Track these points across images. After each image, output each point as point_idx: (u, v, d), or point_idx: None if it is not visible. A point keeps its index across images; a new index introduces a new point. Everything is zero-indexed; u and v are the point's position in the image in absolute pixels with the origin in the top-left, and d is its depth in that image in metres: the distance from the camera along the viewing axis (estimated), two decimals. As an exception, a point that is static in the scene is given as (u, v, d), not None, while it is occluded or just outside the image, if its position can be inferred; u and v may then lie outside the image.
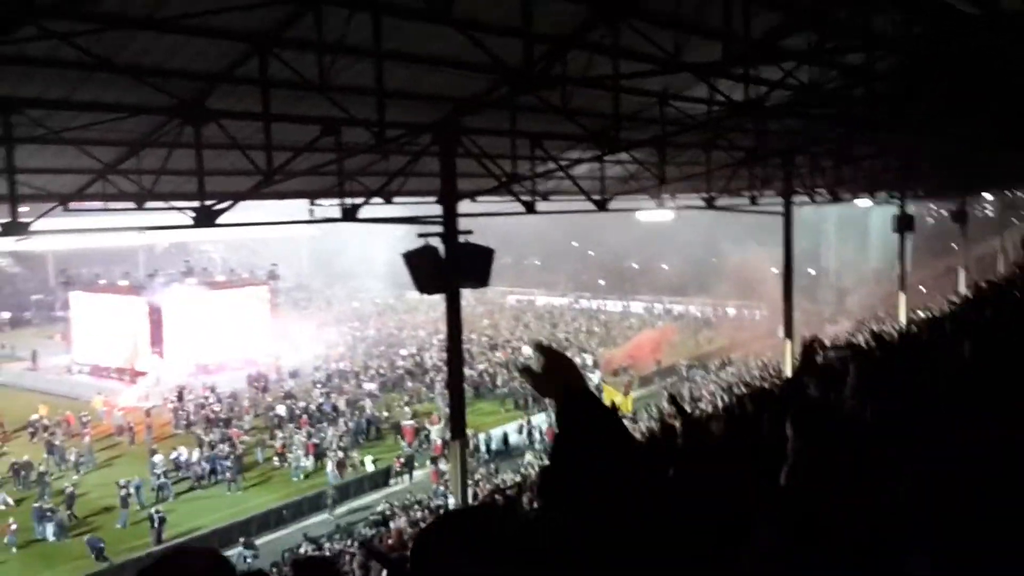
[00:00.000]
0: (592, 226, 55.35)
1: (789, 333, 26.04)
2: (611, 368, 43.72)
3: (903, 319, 31.51)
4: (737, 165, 21.98)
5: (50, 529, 25.10)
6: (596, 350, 49.46)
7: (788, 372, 24.19)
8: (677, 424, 5.06)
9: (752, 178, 24.74)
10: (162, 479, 28.40)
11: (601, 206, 20.02)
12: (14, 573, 23.78)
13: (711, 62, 12.12)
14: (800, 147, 23.25)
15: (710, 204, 24.69)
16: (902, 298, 35.60)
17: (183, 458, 30.25)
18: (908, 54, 13.72)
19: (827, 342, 8.28)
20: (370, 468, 30.36)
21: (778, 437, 2.74)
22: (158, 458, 29.30)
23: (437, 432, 32.37)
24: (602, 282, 74.59)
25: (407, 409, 37.15)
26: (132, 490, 26.87)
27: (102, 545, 23.57)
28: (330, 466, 29.53)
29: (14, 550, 24.43)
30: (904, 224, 34.25)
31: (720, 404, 27.87)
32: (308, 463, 30.74)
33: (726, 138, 19.91)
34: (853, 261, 62.40)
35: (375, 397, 39.10)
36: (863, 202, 34.79)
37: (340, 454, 30.71)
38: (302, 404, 37.13)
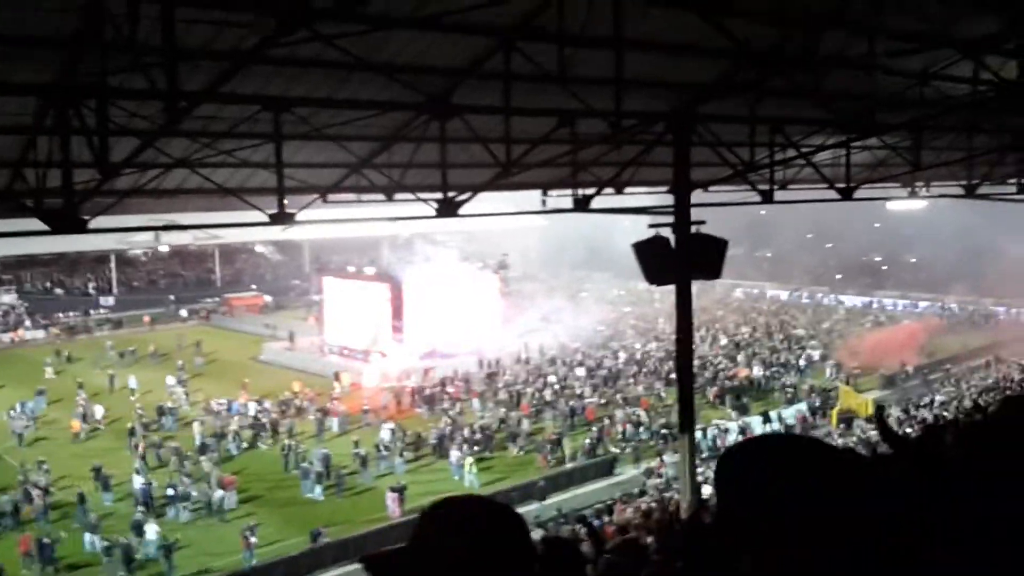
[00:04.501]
0: (831, 217, 51.96)
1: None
2: (847, 366, 41.24)
3: None
4: (1005, 149, 19.89)
5: (317, 489, 27.78)
6: (825, 343, 47.03)
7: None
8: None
9: (1021, 163, 22.34)
10: (388, 449, 30.39)
11: (846, 195, 18.84)
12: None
13: (981, 36, 11.04)
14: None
15: (970, 192, 22.55)
16: None
17: (394, 436, 31.73)
18: None
19: None
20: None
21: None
22: (385, 433, 31.50)
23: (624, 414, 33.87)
24: (839, 276, 70.28)
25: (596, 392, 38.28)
26: (363, 452, 29.31)
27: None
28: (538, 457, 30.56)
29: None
30: None
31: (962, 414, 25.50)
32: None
33: (993, 120, 18.04)
34: None
35: (591, 384, 39.61)
36: None
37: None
38: (529, 390, 38.15)
